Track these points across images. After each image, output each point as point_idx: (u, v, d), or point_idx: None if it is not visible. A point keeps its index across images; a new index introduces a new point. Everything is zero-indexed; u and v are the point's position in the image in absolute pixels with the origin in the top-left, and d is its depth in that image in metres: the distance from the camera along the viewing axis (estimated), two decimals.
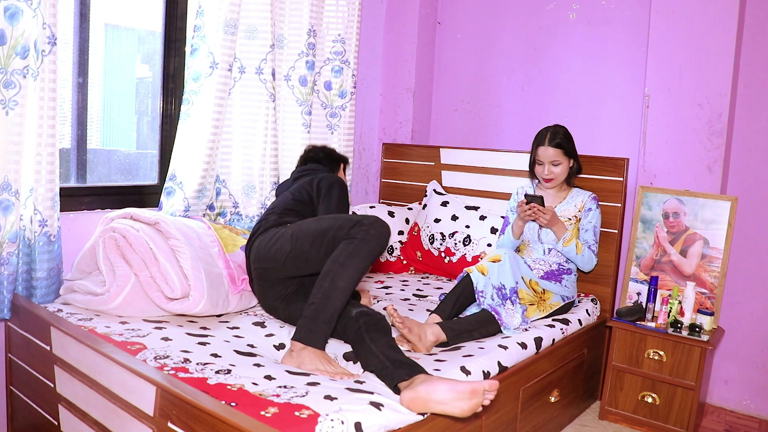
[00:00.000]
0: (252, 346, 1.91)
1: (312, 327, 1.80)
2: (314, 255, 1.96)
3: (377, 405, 1.48)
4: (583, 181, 2.83)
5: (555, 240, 2.52)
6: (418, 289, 2.77)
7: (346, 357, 1.86)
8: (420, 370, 1.63)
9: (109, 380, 1.63)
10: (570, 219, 2.58)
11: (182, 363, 1.65)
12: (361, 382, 1.66)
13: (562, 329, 2.36)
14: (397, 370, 1.63)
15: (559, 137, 2.52)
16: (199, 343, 1.84)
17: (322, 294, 1.83)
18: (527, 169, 3.02)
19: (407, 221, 3.19)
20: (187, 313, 2.06)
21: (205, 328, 2.02)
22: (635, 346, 2.52)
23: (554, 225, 2.48)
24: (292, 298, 2.12)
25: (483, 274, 2.30)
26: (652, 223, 2.70)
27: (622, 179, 2.75)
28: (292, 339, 1.82)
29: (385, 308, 2.08)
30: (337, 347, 1.93)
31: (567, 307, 2.55)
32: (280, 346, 1.96)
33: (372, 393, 1.56)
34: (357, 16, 3.04)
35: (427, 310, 2.42)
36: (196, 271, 2.06)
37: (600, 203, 2.67)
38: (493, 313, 2.21)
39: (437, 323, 2.11)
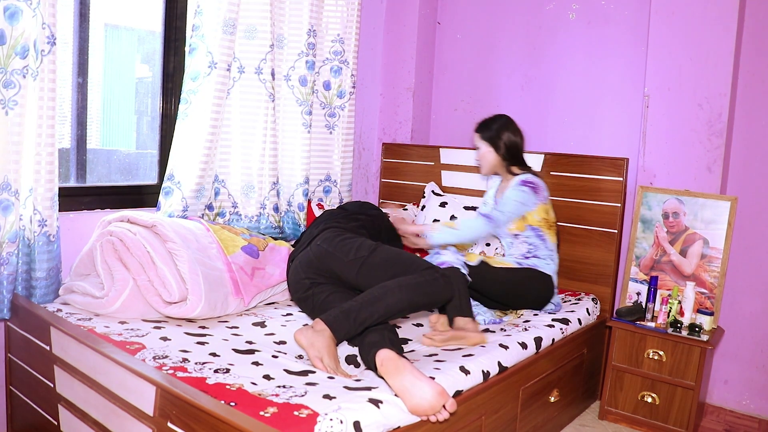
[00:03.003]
0: (251, 342, 1.92)
1: (341, 318, 1.81)
2: (380, 273, 2.01)
3: (376, 402, 1.48)
4: (583, 180, 2.83)
5: (439, 244, 2.50)
6: None
7: (348, 360, 1.86)
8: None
9: (109, 380, 1.63)
10: None
11: (181, 362, 1.65)
12: (359, 380, 1.66)
13: (561, 329, 2.36)
14: (395, 342, 1.75)
15: (483, 122, 2.62)
16: (198, 343, 1.84)
17: (369, 299, 1.85)
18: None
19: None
20: (185, 317, 2.05)
21: (203, 327, 2.03)
22: (635, 346, 2.52)
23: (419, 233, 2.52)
24: (321, 285, 2.15)
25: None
26: (651, 223, 2.70)
27: (621, 179, 2.75)
28: (318, 317, 1.82)
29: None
30: (340, 348, 1.93)
31: (528, 273, 2.49)
32: (281, 343, 1.96)
33: (370, 389, 1.56)
34: (356, 16, 3.04)
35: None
36: (194, 275, 2.06)
37: (530, 186, 2.49)
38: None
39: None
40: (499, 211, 2.49)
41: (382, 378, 1.62)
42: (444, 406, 1.55)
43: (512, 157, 2.58)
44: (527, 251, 2.56)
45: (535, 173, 2.59)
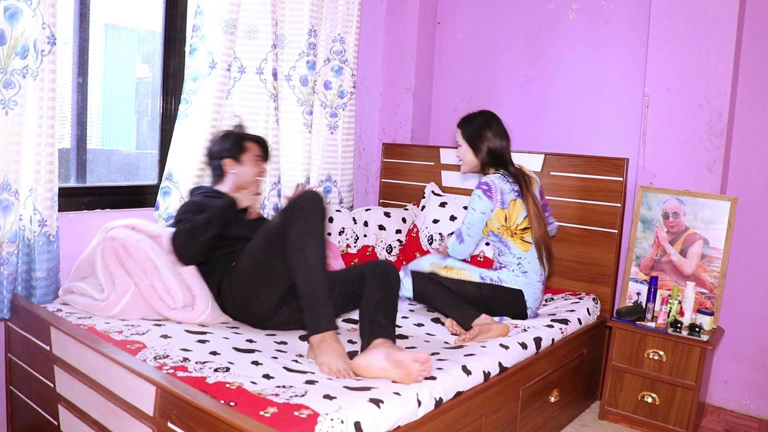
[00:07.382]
0: (251, 341, 1.92)
1: (314, 316, 1.80)
2: (277, 263, 1.95)
3: (377, 402, 1.48)
4: (583, 180, 2.83)
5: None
6: None
7: (350, 357, 1.86)
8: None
9: (109, 380, 1.63)
10: None
11: (181, 362, 1.65)
12: (360, 379, 1.66)
13: (561, 329, 2.36)
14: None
15: (464, 118, 2.42)
16: (199, 341, 1.84)
17: (304, 281, 1.83)
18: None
19: (404, 220, 3.19)
20: (189, 322, 2.04)
21: (204, 326, 2.02)
22: (635, 346, 2.52)
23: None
24: (279, 308, 2.10)
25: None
26: (652, 223, 2.70)
27: (621, 179, 2.75)
28: (307, 337, 1.82)
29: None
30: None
31: (490, 290, 2.36)
32: (281, 343, 1.96)
33: (370, 389, 1.55)
34: (356, 16, 3.04)
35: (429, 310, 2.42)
36: (200, 281, 2.07)
37: (483, 189, 2.33)
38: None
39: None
40: (462, 225, 2.38)
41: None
42: (414, 361, 1.62)
43: (493, 159, 2.37)
44: (498, 254, 2.44)
45: (513, 173, 2.37)
